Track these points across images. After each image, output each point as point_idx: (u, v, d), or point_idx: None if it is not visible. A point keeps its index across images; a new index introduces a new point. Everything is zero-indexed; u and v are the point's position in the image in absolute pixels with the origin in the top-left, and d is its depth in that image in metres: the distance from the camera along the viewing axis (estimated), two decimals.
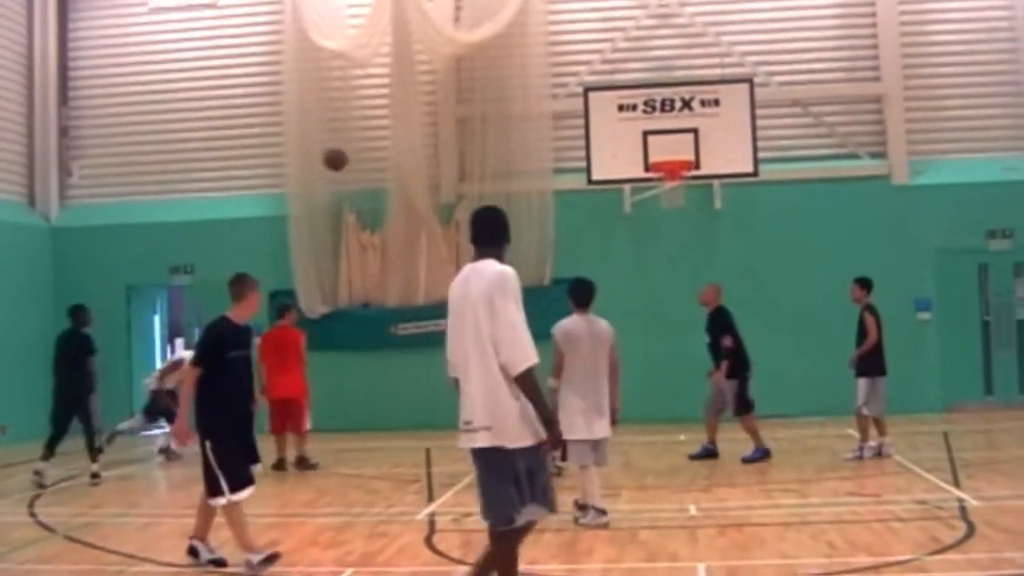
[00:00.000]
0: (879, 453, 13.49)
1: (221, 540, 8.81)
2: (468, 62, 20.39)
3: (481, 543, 9.18)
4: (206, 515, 8.66)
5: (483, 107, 20.13)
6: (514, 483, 6.06)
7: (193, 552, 8.65)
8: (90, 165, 21.69)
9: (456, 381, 6.44)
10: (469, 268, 6.41)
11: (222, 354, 8.62)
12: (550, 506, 6.28)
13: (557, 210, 19.39)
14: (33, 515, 11.25)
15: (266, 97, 20.83)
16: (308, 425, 14.77)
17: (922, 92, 19.73)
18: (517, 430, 6.05)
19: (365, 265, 20.26)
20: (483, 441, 6.09)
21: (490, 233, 6.47)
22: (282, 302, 15.96)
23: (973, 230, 19.06)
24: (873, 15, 19.73)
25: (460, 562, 8.36)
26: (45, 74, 21.31)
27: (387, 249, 20.12)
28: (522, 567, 8.14)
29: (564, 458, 10.45)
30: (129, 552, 9.17)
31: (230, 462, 8.42)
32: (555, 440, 6.19)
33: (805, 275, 18.40)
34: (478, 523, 10.13)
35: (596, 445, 10.01)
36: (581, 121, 18.47)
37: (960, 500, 10.28)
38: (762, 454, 13.75)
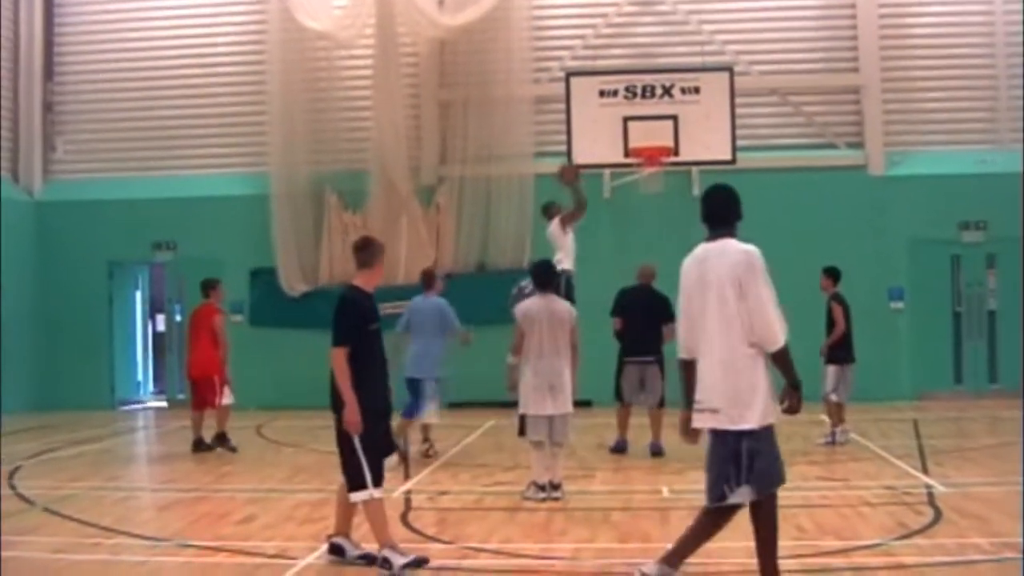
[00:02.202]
0: (833, 441, 13.71)
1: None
2: (451, 45, 20.49)
3: (455, 521, 9.38)
4: (346, 509, 7.87)
5: (465, 90, 20.26)
6: (733, 462, 6.10)
7: (337, 550, 7.87)
8: (74, 141, 21.72)
9: (685, 363, 6.44)
10: (703, 248, 6.42)
11: (364, 327, 7.69)
12: (764, 490, 6.19)
13: (537, 194, 19.48)
14: (12, 487, 11.35)
15: (250, 76, 20.90)
16: (225, 401, 14.28)
17: (899, 84, 19.94)
18: (745, 412, 6.10)
19: (346, 245, 20.31)
20: (712, 422, 6.20)
21: (725, 211, 6.49)
22: (207, 279, 15.33)
23: (947, 221, 19.29)
24: (853, 7, 19.90)
25: (434, 539, 8.53)
26: (30, 49, 21.31)
27: (368, 230, 20.16)
28: (495, 544, 8.34)
29: (522, 432, 10.79)
30: (106, 525, 9.29)
31: (375, 452, 7.62)
32: (792, 404, 6.30)
33: (780, 262, 18.29)
34: (452, 501, 10.36)
35: (551, 422, 10.34)
36: (562, 106, 18.60)
37: (928, 486, 10.50)
38: None
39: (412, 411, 13.08)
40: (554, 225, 13.14)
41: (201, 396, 14.36)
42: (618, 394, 13.42)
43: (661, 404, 13.24)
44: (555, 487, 10.32)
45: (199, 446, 14.23)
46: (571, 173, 13.32)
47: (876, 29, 19.76)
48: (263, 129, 20.61)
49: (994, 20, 19.77)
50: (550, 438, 10.40)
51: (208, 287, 15.01)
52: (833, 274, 14.05)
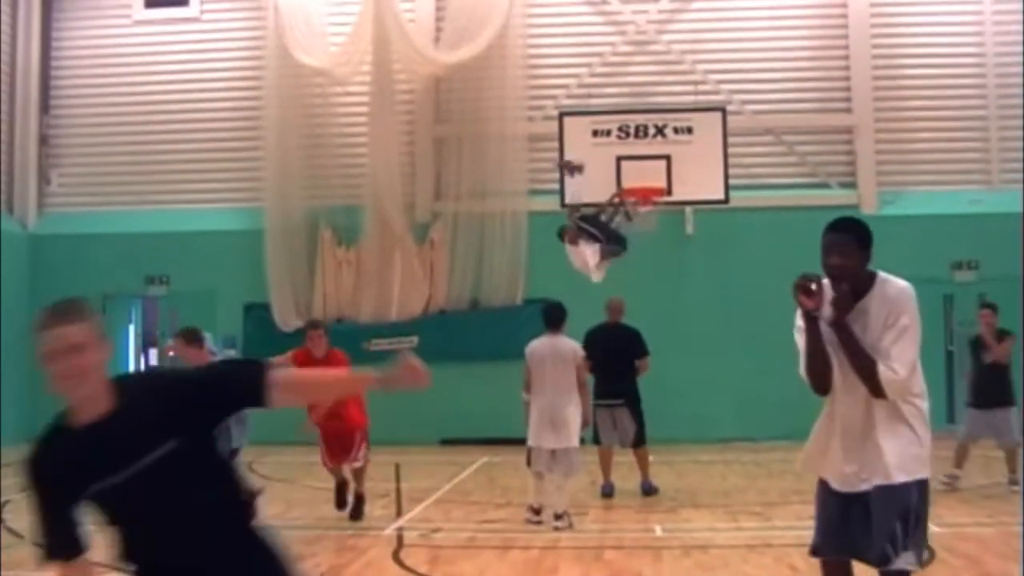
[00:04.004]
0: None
1: None
2: (447, 82, 20.61)
3: (447, 558, 9.36)
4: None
5: (460, 127, 20.36)
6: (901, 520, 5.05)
7: None
8: (69, 174, 21.77)
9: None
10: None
11: None
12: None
13: (530, 231, 19.58)
14: (1, 521, 11.30)
15: (246, 111, 21.00)
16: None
17: (892, 125, 20.08)
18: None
19: (340, 280, 20.40)
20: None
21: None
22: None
23: (939, 261, 19.35)
24: (846, 48, 20.07)
25: None
26: (27, 82, 21.40)
27: (362, 265, 20.27)
28: None
29: (529, 463, 11.27)
30: (97, 560, 9.22)
31: None
32: None
33: (773, 300, 18.40)
34: (445, 539, 10.35)
35: (554, 455, 10.87)
36: (556, 144, 18.68)
37: None
38: None
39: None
40: (568, 248, 13.66)
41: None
42: (595, 437, 13.24)
43: (642, 442, 13.19)
44: (558, 516, 10.64)
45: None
46: (571, 236, 13.80)
47: (869, 70, 19.91)
48: (258, 164, 20.69)
49: (985, 62, 19.94)
50: (553, 470, 10.89)
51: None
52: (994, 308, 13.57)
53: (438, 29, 20.53)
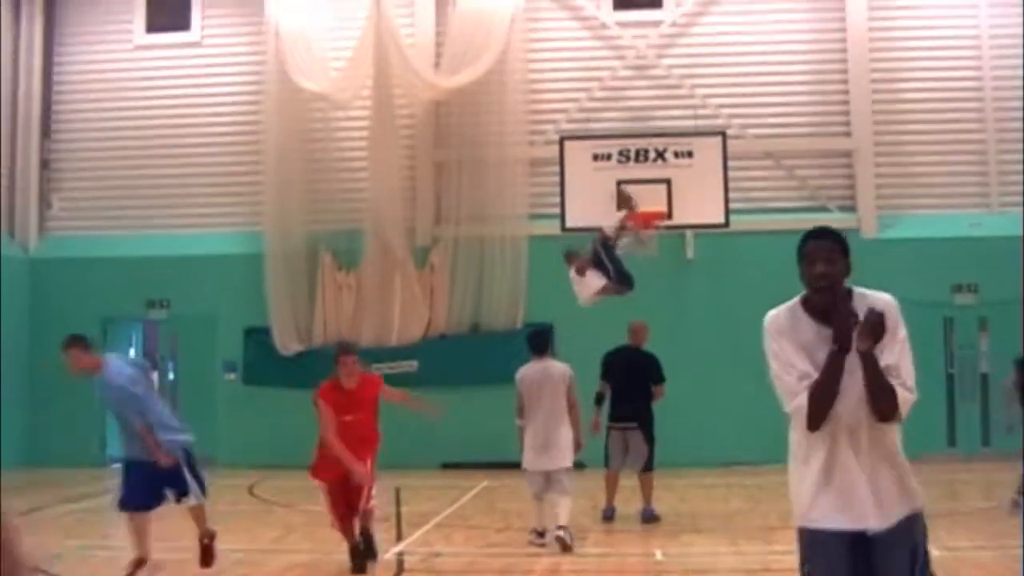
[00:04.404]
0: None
1: None
2: (447, 107, 20.68)
3: None
4: None
5: (460, 152, 20.41)
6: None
7: None
8: (70, 198, 21.83)
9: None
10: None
11: None
12: None
13: (531, 255, 19.61)
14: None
15: (247, 135, 21.08)
16: None
17: (891, 148, 20.14)
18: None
19: (340, 305, 20.42)
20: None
21: None
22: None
23: (939, 284, 19.38)
24: (845, 72, 20.15)
25: None
26: (28, 106, 21.51)
27: (362, 289, 20.29)
28: None
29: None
30: None
31: None
32: None
33: None
34: (445, 563, 10.33)
35: (549, 476, 11.17)
36: (557, 168, 18.71)
37: None
38: None
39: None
40: (571, 273, 13.66)
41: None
42: (605, 459, 13.31)
43: (650, 468, 13.20)
44: (561, 527, 10.85)
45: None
46: (572, 259, 13.82)
47: (868, 94, 19.98)
48: (259, 188, 20.75)
49: (983, 86, 20.02)
50: (550, 490, 11.17)
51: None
52: None
53: (438, 54, 20.62)
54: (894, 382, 4.58)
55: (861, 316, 4.61)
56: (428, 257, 20.26)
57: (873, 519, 4.65)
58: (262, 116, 20.76)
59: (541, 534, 11.19)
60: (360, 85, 20.27)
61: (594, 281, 13.67)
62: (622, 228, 14.71)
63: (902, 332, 4.70)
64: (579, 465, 12.71)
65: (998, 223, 19.35)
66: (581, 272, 13.71)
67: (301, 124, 20.65)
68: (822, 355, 4.66)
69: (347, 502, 9.95)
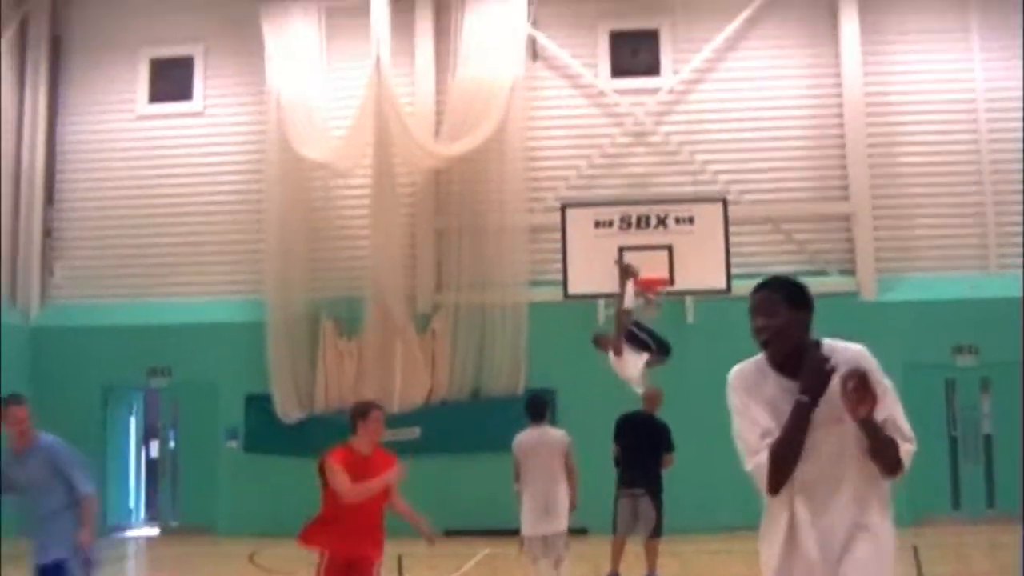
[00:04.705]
0: None
1: None
2: (447, 175, 20.78)
3: None
4: None
5: (461, 219, 20.49)
6: None
7: None
8: (72, 266, 21.90)
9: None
10: None
11: None
12: None
13: (532, 321, 19.64)
14: None
15: (248, 204, 21.19)
16: None
17: (890, 211, 20.25)
18: None
19: (341, 372, 20.39)
20: None
21: None
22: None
23: (940, 346, 19.40)
24: (842, 136, 20.30)
25: None
26: (32, 174, 21.65)
27: (363, 356, 20.28)
28: None
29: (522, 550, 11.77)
30: None
31: None
32: None
33: None
34: None
35: (546, 540, 11.41)
36: (557, 234, 18.81)
37: None
38: None
39: None
40: (611, 358, 13.71)
41: None
42: (614, 525, 13.27)
43: (658, 534, 13.17)
44: None
45: None
46: (603, 344, 13.94)
47: (865, 158, 20.12)
48: (260, 256, 20.81)
49: (979, 148, 20.17)
50: (547, 554, 11.43)
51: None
52: None
53: (438, 122, 20.77)
54: (895, 435, 4.37)
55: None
56: (429, 324, 20.28)
57: None
58: (263, 184, 20.88)
59: None
60: (361, 153, 20.40)
61: (635, 358, 13.70)
62: (638, 298, 14.82)
63: (885, 381, 4.46)
64: (582, 531, 12.71)
65: (997, 284, 19.41)
66: (619, 352, 13.72)
67: (302, 192, 20.78)
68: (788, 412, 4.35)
69: None
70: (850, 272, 20.08)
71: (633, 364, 13.61)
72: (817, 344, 4.52)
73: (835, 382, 4.28)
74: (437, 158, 20.33)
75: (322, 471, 8.61)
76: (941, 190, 20.24)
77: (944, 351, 19.46)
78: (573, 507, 11.57)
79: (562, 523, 11.42)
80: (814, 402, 4.30)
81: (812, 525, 4.40)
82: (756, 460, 4.40)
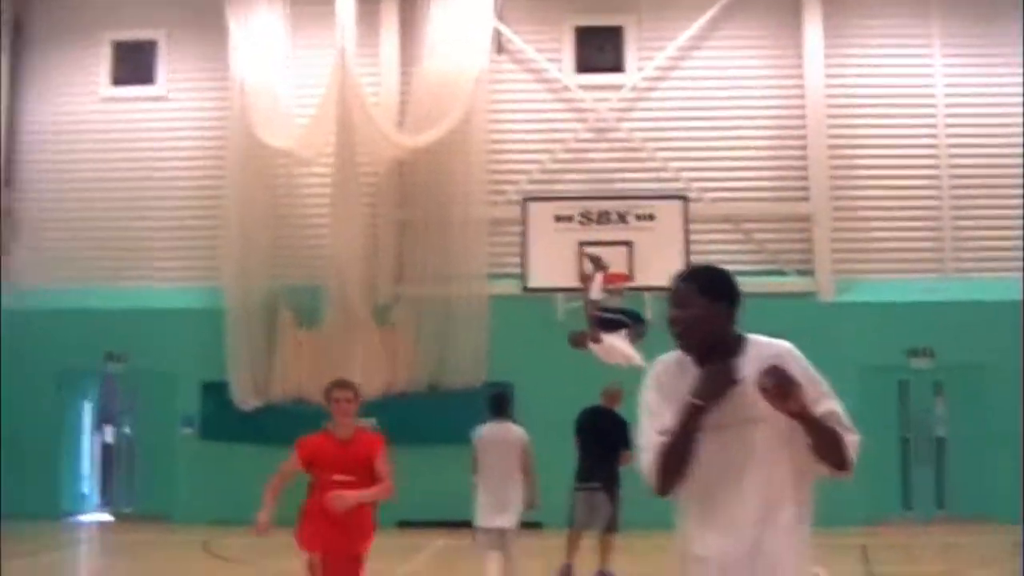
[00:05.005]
0: None
1: None
2: (410, 166, 20.75)
3: None
4: None
5: (423, 211, 20.47)
6: None
7: None
8: (30, 249, 21.66)
9: None
10: None
11: None
12: None
13: (492, 314, 19.66)
14: None
15: (209, 190, 21.06)
16: None
17: (849, 214, 20.43)
18: None
19: (300, 361, 20.31)
20: None
21: None
22: None
23: (895, 348, 19.57)
24: (804, 138, 20.45)
25: None
26: None
27: (322, 346, 20.21)
28: None
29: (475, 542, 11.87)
30: None
31: None
32: None
33: None
34: None
35: (499, 534, 11.46)
36: (518, 228, 18.86)
37: None
38: None
39: None
40: (595, 349, 13.66)
41: None
42: (570, 519, 13.34)
43: (613, 529, 13.24)
44: None
45: None
46: (580, 340, 13.91)
47: (826, 159, 20.28)
48: (220, 243, 20.68)
49: (939, 153, 20.38)
50: (500, 547, 11.47)
51: None
52: None
53: (402, 113, 20.76)
54: (838, 429, 4.10)
55: (753, 366, 4.06)
56: (389, 315, 20.27)
57: None
58: (225, 171, 20.74)
59: None
60: (324, 142, 20.30)
61: (616, 339, 13.68)
62: (606, 290, 14.73)
63: (817, 375, 4.20)
64: (536, 524, 12.74)
65: (953, 288, 19.63)
66: (598, 341, 13.69)
67: (264, 180, 20.65)
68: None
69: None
70: (808, 273, 20.23)
71: (618, 345, 13.60)
72: (740, 339, 4.26)
73: (748, 382, 4.02)
74: (400, 149, 20.29)
75: (304, 461, 8.23)
76: (899, 194, 20.41)
77: (899, 353, 19.63)
78: (532, 505, 11.63)
79: (514, 518, 11.49)
80: (703, 406, 4.05)
81: (716, 527, 4.16)
82: (645, 459, 4.18)
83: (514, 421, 11.96)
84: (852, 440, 4.12)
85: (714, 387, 4.06)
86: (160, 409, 20.66)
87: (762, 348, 4.22)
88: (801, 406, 3.94)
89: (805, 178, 20.45)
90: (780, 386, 3.90)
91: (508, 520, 11.42)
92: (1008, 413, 18.58)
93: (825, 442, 4.06)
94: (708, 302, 4.27)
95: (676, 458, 4.10)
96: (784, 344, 4.28)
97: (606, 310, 14.06)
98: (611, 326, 13.70)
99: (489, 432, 11.67)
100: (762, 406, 3.96)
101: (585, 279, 15.45)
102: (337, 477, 7.98)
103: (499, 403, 11.93)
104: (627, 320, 13.87)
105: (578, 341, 14.00)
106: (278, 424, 19.61)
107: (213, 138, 21.26)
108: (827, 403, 4.12)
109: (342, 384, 8.38)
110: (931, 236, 20.38)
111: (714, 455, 4.12)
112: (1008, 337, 18.55)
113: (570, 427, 13.60)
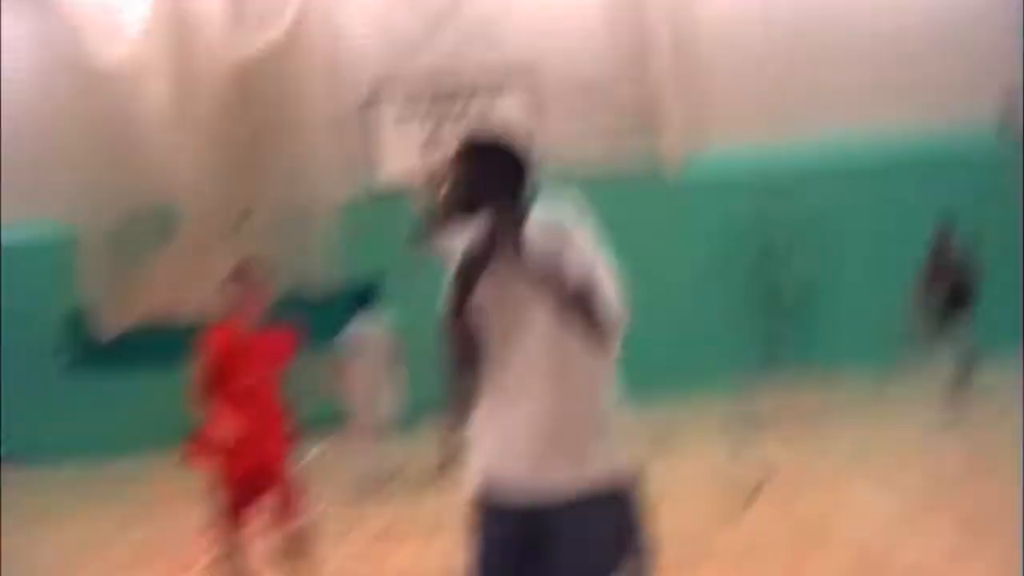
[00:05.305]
0: None
1: None
2: (251, 72, 20.19)
3: None
4: None
5: (268, 115, 20.02)
6: None
7: None
8: None
9: None
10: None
11: None
12: None
13: (346, 215, 19.50)
14: None
15: (41, 118, 20.14)
16: None
17: (693, 83, 20.35)
18: None
19: (160, 280, 19.98)
20: None
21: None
22: None
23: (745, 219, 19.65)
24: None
25: None
26: None
27: (180, 263, 19.85)
28: None
29: None
30: None
31: None
32: None
33: None
34: None
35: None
36: (368, 127, 18.64)
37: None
38: None
39: None
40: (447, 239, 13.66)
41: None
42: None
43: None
44: None
45: None
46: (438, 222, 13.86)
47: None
48: (63, 173, 19.95)
49: None
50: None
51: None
52: None
53: (236, 15, 20.09)
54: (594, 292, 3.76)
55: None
56: (243, 226, 19.90)
57: (546, 488, 3.85)
58: (58, 95, 19.94)
59: None
60: (159, 56, 19.70)
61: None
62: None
63: (581, 241, 3.97)
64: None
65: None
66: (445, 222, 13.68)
67: (99, 100, 19.90)
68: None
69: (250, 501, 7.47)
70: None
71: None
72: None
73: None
74: (237, 54, 19.80)
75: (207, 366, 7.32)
76: (740, 55, 20.41)
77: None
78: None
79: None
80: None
81: (519, 411, 3.94)
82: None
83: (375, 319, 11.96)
84: (613, 313, 3.78)
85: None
86: (20, 345, 20.07)
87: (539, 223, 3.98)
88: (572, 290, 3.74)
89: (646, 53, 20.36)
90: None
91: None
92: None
93: (571, 307, 3.75)
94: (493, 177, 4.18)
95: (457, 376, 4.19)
96: (552, 221, 4.03)
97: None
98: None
99: (357, 332, 11.85)
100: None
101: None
102: (242, 381, 7.55)
103: (364, 299, 12.15)
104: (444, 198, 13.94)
105: (421, 236, 13.98)
106: (145, 347, 19.36)
107: (44, 61, 20.31)
108: (583, 268, 3.82)
109: (239, 272, 8.06)
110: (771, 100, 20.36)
111: (514, 339, 4.03)
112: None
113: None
